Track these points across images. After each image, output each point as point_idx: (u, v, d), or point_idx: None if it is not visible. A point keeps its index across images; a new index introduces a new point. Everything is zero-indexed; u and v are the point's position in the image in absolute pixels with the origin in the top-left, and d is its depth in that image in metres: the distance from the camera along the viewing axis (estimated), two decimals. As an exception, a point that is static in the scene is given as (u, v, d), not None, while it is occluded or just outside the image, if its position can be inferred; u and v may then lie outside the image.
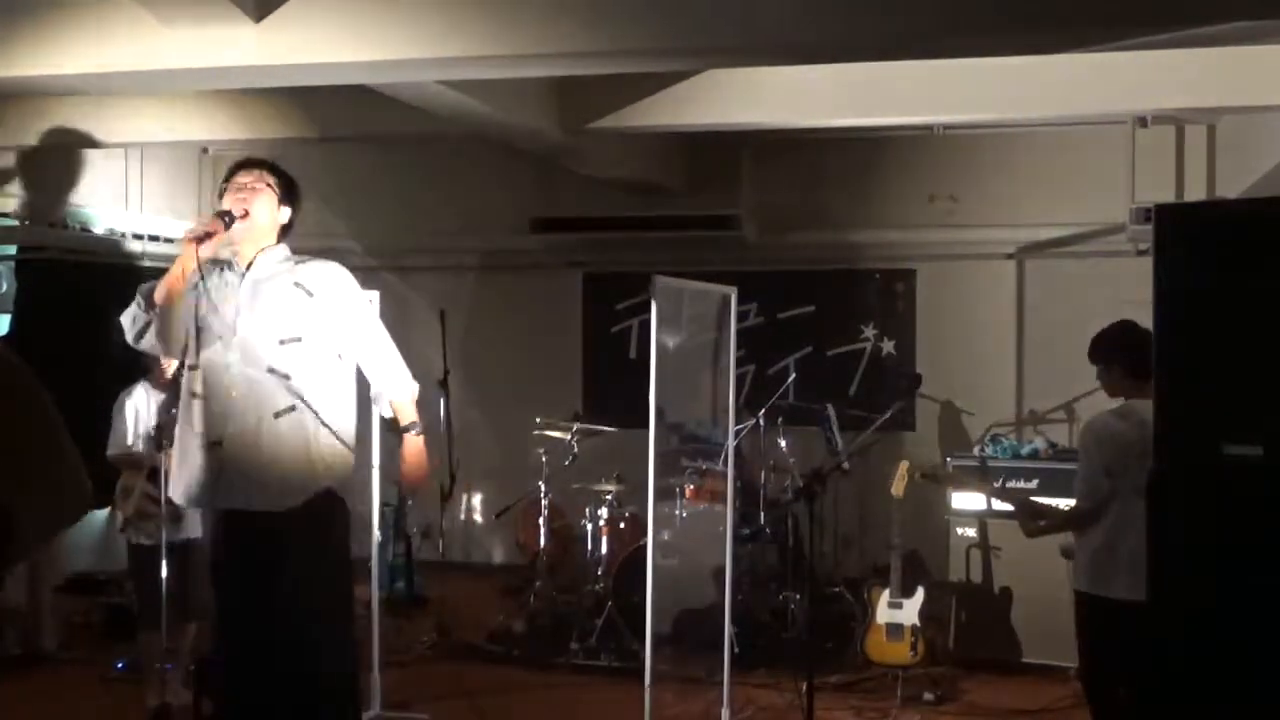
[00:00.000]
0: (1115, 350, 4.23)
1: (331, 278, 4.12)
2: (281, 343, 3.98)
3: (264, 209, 4.07)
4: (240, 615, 4.06)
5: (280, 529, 3.96)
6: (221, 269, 4.10)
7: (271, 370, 3.96)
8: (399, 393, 4.21)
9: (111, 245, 7.98)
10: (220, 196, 4.11)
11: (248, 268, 4.07)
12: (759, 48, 4.49)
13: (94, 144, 6.98)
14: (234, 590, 4.07)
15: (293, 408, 3.96)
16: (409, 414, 4.23)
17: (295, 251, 4.20)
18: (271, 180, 4.11)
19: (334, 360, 4.09)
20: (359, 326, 4.14)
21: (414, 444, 4.21)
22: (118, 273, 7.75)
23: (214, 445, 3.95)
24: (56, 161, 7.72)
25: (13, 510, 1.46)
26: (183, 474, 4.06)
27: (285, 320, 4.00)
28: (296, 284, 4.05)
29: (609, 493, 6.97)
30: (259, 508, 3.97)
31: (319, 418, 4.01)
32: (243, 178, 4.09)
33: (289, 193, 4.18)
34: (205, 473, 3.99)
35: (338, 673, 4.15)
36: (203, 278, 3.96)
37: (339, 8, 4.47)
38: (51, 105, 6.68)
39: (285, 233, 4.20)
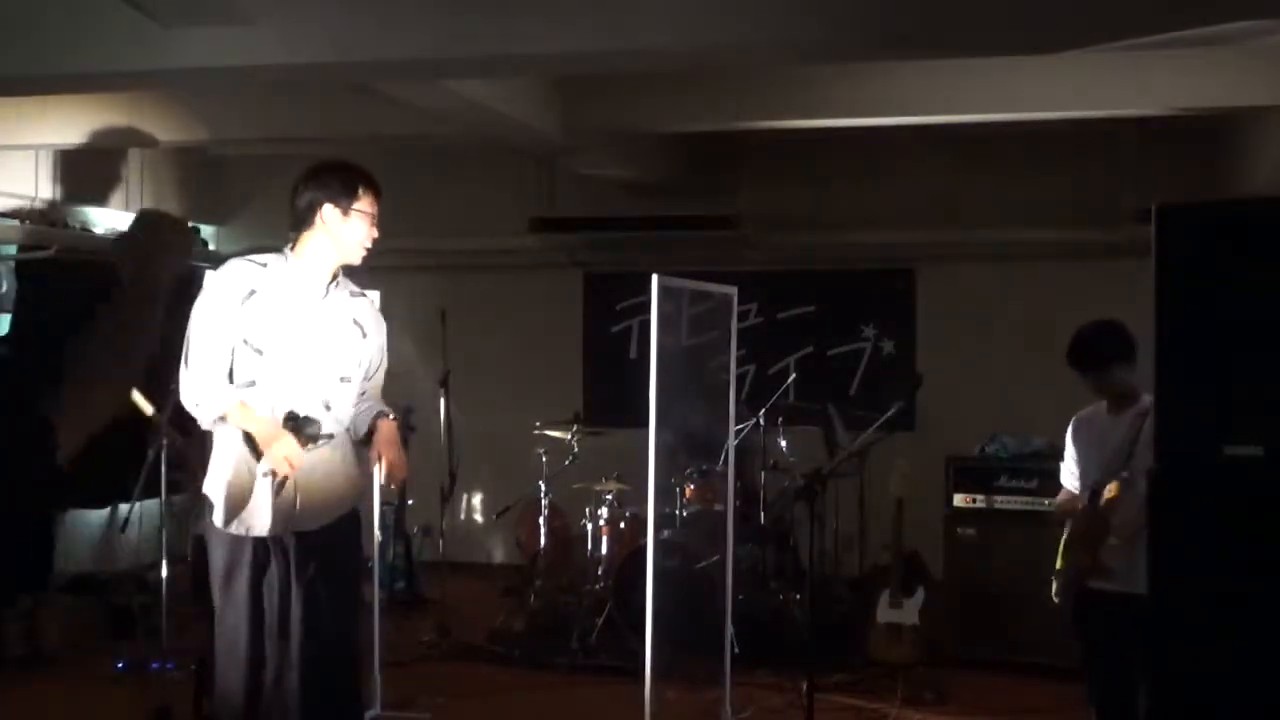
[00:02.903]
0: (1128, 344, 4.22)
1: (377, 319, 4.18)
2: (341, 380, 4.01)
3: None
4: (260, 626, 3.99)
5: (314, 544, 3.96)
6: (290, 294, 3.99)
7: (326, 405, 3.98)
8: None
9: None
10: (345, 210, 3.93)
11: (323, 297, 4.03)
12: (756, 46, 4.49)
13: (104, 144, 6.98)
14: (258, 602, 3.99)
15: (332, 436, 4.00)
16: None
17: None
18: None
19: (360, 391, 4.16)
20: (382, 366, 4.20)
21: (390, 424, 4.14)
22: (118, 273, 7.74)
23: (270, 474, 3.92)
24: (60, 161, 7.73)
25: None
26: (245, 509, 3.95)
27: (345, 358, 4.03)
28: (355, 321, 4.07)
29: (609, 493, 6.98)
30: (298, 528, 3.96)
31: (350, 444, 4.09)
32: (373, 207, 4.01)
33: None
34: (267, 501, 3.93)
35: (344, 685, 4.12)
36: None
37: (338, 8, 4.47)
38: (53, 105, 6.68)
39: None
